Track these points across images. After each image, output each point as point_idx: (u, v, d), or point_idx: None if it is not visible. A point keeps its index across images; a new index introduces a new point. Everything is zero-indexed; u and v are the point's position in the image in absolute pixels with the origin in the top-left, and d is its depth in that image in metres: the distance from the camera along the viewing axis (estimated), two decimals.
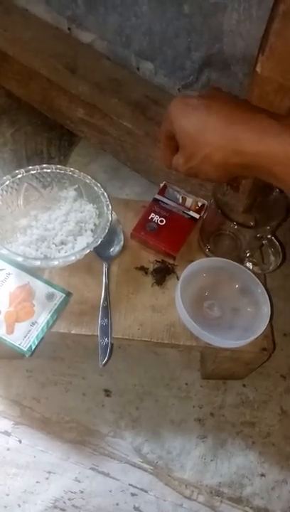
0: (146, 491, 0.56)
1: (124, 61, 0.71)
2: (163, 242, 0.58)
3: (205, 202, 0.61)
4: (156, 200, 0.61)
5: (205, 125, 0.40)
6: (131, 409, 0.61)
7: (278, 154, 0.37)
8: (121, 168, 0.85)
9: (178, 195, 0.62)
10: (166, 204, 0.61)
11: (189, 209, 0.61)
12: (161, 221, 0.60)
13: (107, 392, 0.62)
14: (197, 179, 0.48)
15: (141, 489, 0.56)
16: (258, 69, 0.50)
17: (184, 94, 0.44)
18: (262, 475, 0.59)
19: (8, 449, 0.57)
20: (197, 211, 0.61)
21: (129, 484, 0.56)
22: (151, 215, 0.60)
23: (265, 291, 0.55)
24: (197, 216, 0.61)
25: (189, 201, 0.61)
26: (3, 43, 0.78)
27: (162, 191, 0.62)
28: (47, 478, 0.56)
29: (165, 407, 0.62)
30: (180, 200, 0.61)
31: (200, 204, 0.61)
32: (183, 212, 0.61)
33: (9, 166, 0.85)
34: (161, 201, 0.61)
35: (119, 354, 0.65)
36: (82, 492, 0.55)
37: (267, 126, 0.38)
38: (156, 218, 0.60)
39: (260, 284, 0.55)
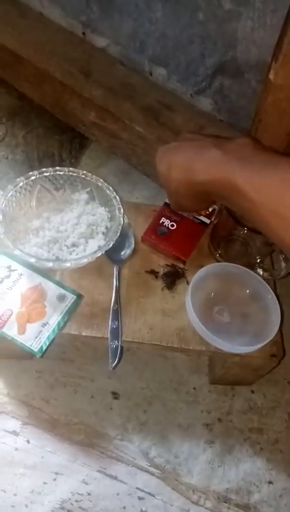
0: (153, 495, 0.56)
1: (137, 66, 0.72)
2: (174, 247, 0.59)
3: (216, 207, 0.62)
4: (166, 205, 0.61)
5: (171, 164, 0.46)
6: (138, 412, 0.61)
7: (220, 181, 0.41)
8: (131, 172, 0.85)
9: None
10: None
11: (199, 214, 0.61)
12: (172, 225, 0.60)
13: (115, 395, 0.63)
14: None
15: (149, 493, 0.56)
16: (271, 76, 0.51)
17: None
18: (270, 482, 0.58)
19: (16, 449, 0.57)
20: (208, 216, 0.61)
21: (137, 488, 0.56)
22: (162, 220, 0.60)
23: (275, 298, 0.54)
24: (207, 221, 0.61)
25: None
26: (17, 45, 0.79)
27: None
28: (54, 480, 0.56)
29: (173, 411, 0.62)
30: None
31: (210, 209, 0.61)
32: (194, 217, 0.61)
33: (21, 168, 0.86)
34: None
35: (127, 357, 0.65)
36: (89, 494, 0.55)
37: (211, 156, 0.42)
38: (167, 222, 0.60)
39: (270, 290, 0.55)
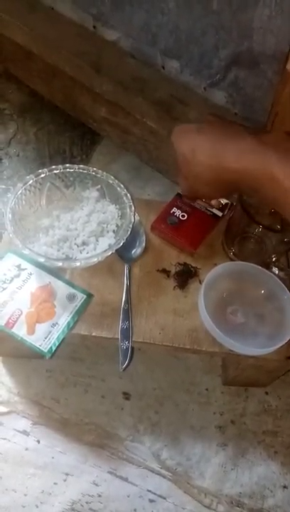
0: (164, 498, 0.55)
1: (149, 59, 0.70)
2: (183, 237, 0.57)
3: (228, 201, 0.60)
4: (179, 195, 0.60)
5: (196, 146, 0.45)
6: (150, 413, 0.61)
7: (254, 171, 0.40)
8: (143, 168, 0.84)
9: None
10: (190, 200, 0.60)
11: (212, 206, 0.60)
12: (183, 216, 0.59)
13: (126, 396, 0.62)
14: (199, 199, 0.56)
15: (160, 496, 0.55)
16: (288, 67, 0.48)
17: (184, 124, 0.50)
18: (285, 487, 0.57)
19: (26, 449, 0.57)
20: (221, 209, 0.60)
21: (148, 490, 0.55)
22: (173, 209, 0.59)
23: None
24: (220, 214, 0.59)
25: (213, 200, 0.60)
26: (28, 41, 0.78)
27: None
28: (65, 480, 0.55)
29: (185, 412, 0.61)
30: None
31: (223, 202, 0.60)
32: (206, 209, 0.59)
33: (32, 165, 0.85)
34: (185, 196, 0.60)
35: (138, 357, 0.64)
36: (99, 496, 0.55)
37: (246, 145, 0.41)
38: (178, 213, 0.59)
39: (286, 290, 0.53)
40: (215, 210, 0.59)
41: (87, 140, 0.91)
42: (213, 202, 0.60)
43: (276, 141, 0.41)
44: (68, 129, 0.92)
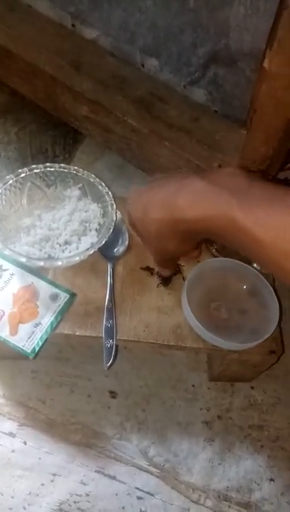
0: (152, 495, 0.55)
1: (128, 58, 0.70)
2: None
3: None
4: None
5: (146, 204, 0.42)
6: (137, 411, 0.61)
7: (213, 217, 0.36)
8: (127, 167, 0.83)
9: None
10: None
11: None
12: None
13: (113, 394, 0.62)
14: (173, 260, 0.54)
15: (148, 493, 0.55)
16: (265, 65, 0.49)
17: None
18: (271, 480, 0.57)
19: (13, 451, 0.56)
20: None
21: (136, 487, 0.55)
22: None
23: (273, 292, 0.53)
24: None
25: None
26: (6, 40, 0.77)
27: None
28: (52, 481, 0.55)
29: (172, 409, 0.61)
30: None
31: None
32: None
33: (14, 165, 0.85)
34: None
35: (124, 355, 0.64)
36: (87, 495, 0.54)
37: (198, 190, 0.38)
38: None
39: (268, 284, 0.54)
40: None
41: (69, 139, 0.90)
42: None
43: (227, 180, 0.38)
44: (50, 129, 0.91)
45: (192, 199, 0.38)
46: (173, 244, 0.43)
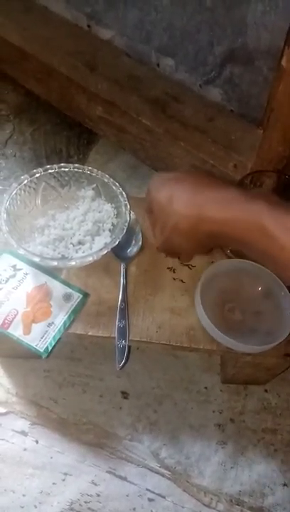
0: (163, 497, 0.55)
1: (143, 57, 0.70)
2: None
3: None
4: None
5: (173, 195, 0.41)
6: (149, 412, 0.60)
7: (242, 222, 0.37)
8: (140, 167, 0.83)
9: None
10: None
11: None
12: None
13: (125, 395, 0.61)
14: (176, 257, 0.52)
15: (159, 494, 0.55)
16: (284, 63, 0.48)
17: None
18: (285, 485, 0.57)
19: (24, 449, 0.57)
20: None
21: (147, 489, 0.55)
22: None
23: (289, 294, 0.52)
24: None
25: None
26: (22, 41, 0.78)
27: None
28: (63, 480, 0.55)
29: (184, 411, 0.61)
30: None
31: None
32: None
33: (28, 165, 0.85)
34: None
35: (136, 356, 0.64)
36: (98, 495, 0.54)
37: (231, 194, 0.39)
38: None
39: (284, 286, 0.53)
40: None
41: (83, 139, 0.91)
42: None
43: (263, 194, 0.39)
44: (65, 129, 0.91)
45: (225, 203, 0.39)
46: (187, 242, 0.43)
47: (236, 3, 0.52)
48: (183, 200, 0.41)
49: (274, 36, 0.52)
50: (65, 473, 0.56)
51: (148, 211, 0.47)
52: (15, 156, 0.87)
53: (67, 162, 0.59)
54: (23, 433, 0.58)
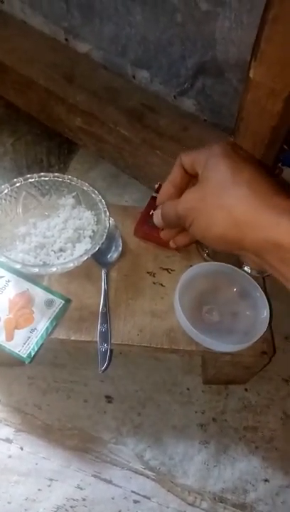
0: (148, 498, 0.56)
1: (120, 70, 0.72)
2: None
3: None
4: (154, 198, 0.62)
5: (238, 179, 0.36)
6: (132, 415, 0.61)
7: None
8: (120, 176, 0.85)
9: None
10: None
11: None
12: None
13: (109, 399, 0.62)
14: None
15: (144, 496, 0.56)
16: (251, 74, 0.51)
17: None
18: (266, 480, 0.58)
19: (9, 457, 0.57)
20: None
21: (132, 491, 0.56)
22: (152, 211, 0.60)
23: (264, 295, 0.54)
24: None
25: None
26: (1, 54, 0.79)
27: (158, 190, 0.62)
28: (49, 486, 0.55)
29: (167, 412, 0.62)
30: None
31: None
32: None
33: (9, 175, 0.86)
34: None
35: (120, 360, 0.65)
36: (84, 499, 0.55)
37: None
38: None
39: (258, 287, 0.55)
40: None
41: (64, 149, 0.92)
42: None
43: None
44: (45, 139, 0.93)
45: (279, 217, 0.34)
46: (216, 229, 0.37)
47: (205, 19, 0.55)
48: (246, 190, 0.35)
49: (240, 50, 0.55)
50: (51, 479, 0.56)
51: (181, 166, 0.42)
52: None
53: (48, 172, 0.60)
54: (8, 440, 0.58)
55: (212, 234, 0.38)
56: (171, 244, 0.50)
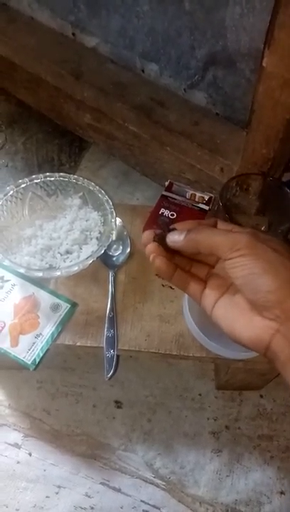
0: (158, 508, 0.54)
1: (128, 63, 0.70)
2: None
3: (212, 195, 0.59)
4: (164, 197, 0.60)
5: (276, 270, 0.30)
6: (142, 421, 0.60)
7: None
8: (132, 173, 0.83)
9: (186, 190, 0.60)
10: (175, 199, 0.59)
11: (198, 202, 0.59)
12: (172, 215, 0.58)
13: (118, 404, 0.61)
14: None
15: (154, 506, 0.54)
16: (264, 64, 0.47)
17: None
18: (282, 492, 0.55)
19: (18, 462, 0.56)
20: (206, 204, 0.59)
21: (141, 501, 0.54)
22: (161, 210, 0.58)
23: None
24: (206, 208, 0.59)
25: (197, 196, 0.60)
26: (9, 52, 0.78)
27: (169, 188, 0.60)
28: (57, 493, 0.55)
29: (179, 419, 0.60)
30: (188, 195, 0.60)
31: (206, 198, 0.59)
32: (193, 205, 0.59)
33: (21, 175, 0.85)
34: (170, 197, 0.59)
35: (130, 364, 0.63)
36: (92, 508, 0.54)
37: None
38: (167, 212, 0.58)
39: None
40: (201, 205, 0.59)
41: (75, 147, 0.91)
42: (197, 197, 0.59)
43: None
44: (56, 137, 0.91)
45: None
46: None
47: (214, 6, 0.52)
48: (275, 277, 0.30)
49: (253, 38, 0.51)
50: (59, 486, 0.55)
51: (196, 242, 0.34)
52: (7, 166, 0.87)
53: (59, 170, 0.59)
54: (16, 445, 0.57)
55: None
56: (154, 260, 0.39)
